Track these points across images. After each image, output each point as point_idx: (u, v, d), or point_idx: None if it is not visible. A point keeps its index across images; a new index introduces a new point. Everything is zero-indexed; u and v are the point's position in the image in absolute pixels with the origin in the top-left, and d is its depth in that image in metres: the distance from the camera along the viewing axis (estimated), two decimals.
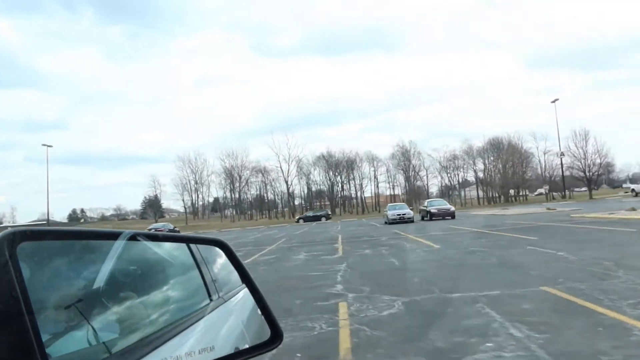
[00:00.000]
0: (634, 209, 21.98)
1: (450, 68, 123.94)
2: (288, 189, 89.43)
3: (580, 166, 57.01)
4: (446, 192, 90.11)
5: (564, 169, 60.27)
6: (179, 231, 48.41)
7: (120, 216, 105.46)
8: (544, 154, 79.32)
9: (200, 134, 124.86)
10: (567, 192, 64.61)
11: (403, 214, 31.48)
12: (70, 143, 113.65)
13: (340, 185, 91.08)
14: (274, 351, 1.64)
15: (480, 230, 19.37)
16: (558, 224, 19.29)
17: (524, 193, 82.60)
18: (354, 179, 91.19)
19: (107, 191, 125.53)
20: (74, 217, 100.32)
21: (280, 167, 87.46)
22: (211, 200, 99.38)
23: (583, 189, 66.25)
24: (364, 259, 12.59)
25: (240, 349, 1.49)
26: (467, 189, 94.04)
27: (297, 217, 66.28)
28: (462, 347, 4.41)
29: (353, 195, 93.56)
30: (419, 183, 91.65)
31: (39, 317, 0.79)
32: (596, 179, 61.58)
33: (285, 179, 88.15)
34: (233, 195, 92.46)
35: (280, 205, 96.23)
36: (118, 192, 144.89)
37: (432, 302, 6.54)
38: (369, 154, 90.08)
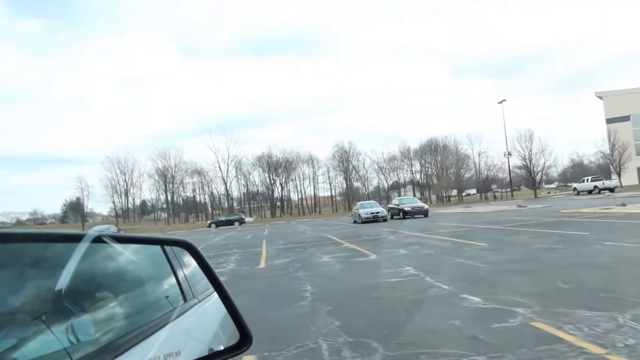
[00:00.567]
0: (624, 205, 21.72)
1: (389, 73, 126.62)
2: (227, 190, 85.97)
3: (527, 166, 58.75)
4: (383, 193, 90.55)
5: (510, 169, 62.03)
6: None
7: (38, 220, 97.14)
8: (479, 155, 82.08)
9: (129, 135, 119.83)
10: (512, 192, 66.39)
11: (377, 212, 29.92)
12: None
13: (279, 187, 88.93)
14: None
15: (502, 228, 17.85)
16: (576, 219, 18.02)
17: (458, 194, 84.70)
18: (293, 180, 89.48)
19: (21, 195, 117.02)
20: None
21: (220, 167, 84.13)
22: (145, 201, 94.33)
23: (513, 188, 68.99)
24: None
25: (215, 350, 1.49)
26: (402, 189, 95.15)
27: (208, 222, 60.12)
28: None
29: (293, 197, 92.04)
30: (357, 184, 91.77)
31: None
32: (540, 179, 64.09)
33: (224, 179, 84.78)
34: (167, 197, 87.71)
35: (210, 208, 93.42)
36: (34, 196, 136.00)
37: None
38: (309, 155, 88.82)
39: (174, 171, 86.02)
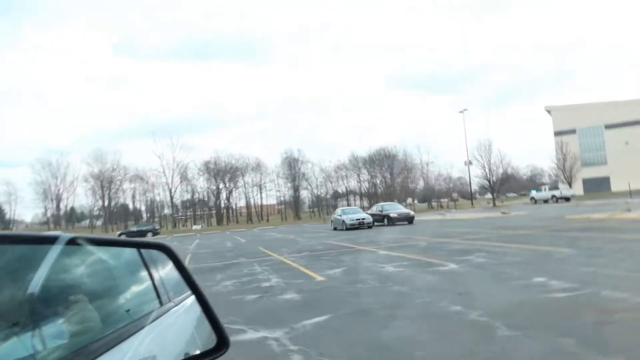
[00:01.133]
0: (629, 210, 21.12)
1: (336, 81, 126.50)
2: (172, 197, 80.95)
3: (486, 174, 59.47)
4: (325, 202, 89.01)
5: (470, 178, 62.56)
6: None
7: None
8: (427, 164, 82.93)
9: (62, 137, 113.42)
10: (472, 200, 67.06)
11: (362, 219, 28.10)
12: None
13: (225, 194, 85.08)
14: None
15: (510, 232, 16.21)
16: (590, 232, 16.52)
17: (412, 202, 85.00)
18: (241, 186, 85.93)
19: None
20: None
21: (164, 173, 79.24)
22: (78, 207, 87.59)
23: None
24: None
25: (191, 354, 1.46)
26: (352, 197, 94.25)
27: (118, 233, 56.83)
28: None
29: (239, 204, 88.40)
30: (304, 192, 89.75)
31: None
32: (499, 187, 65.10)
33: (168, 185, 79.97)
34: (103, 203, 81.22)
35: (146, 215, 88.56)
36: None
37: None
38: (257, 162, 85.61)
39: (112, 175, 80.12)
